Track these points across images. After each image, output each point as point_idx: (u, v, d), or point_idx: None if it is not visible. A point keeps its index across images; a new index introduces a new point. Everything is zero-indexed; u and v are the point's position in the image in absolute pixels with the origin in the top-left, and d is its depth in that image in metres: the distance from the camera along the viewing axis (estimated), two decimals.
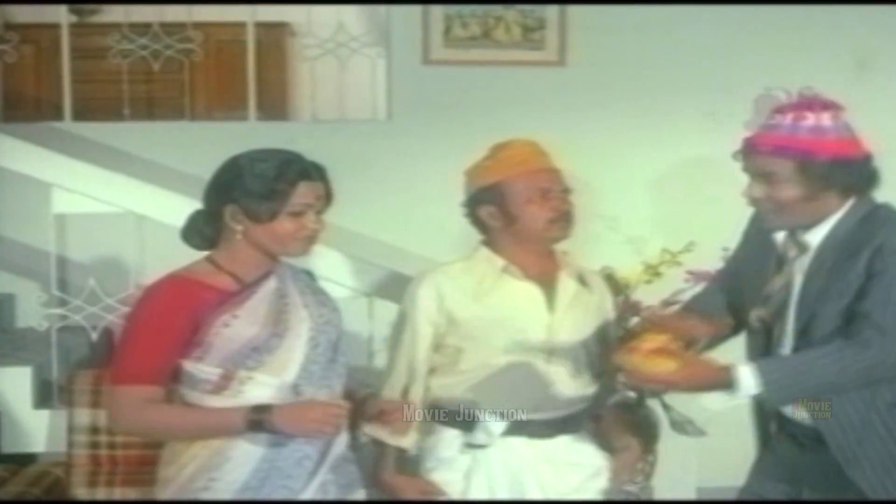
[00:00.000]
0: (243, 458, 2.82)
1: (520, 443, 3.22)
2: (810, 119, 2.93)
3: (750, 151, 3.00)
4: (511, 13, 5.55)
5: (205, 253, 2.97)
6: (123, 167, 4.46)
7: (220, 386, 2.81)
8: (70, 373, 4.26)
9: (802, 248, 3.01)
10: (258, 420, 2.76)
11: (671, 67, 5.49)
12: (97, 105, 5.84)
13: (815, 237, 2.98)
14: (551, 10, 5.54)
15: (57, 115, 5.53)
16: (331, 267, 4.23)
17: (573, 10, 5.52)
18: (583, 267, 3.44)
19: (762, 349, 3.08)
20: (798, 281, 3.01)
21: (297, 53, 6.15)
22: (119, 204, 4.27)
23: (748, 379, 2.79)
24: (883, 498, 2.92)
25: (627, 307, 4.07)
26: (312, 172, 2.94)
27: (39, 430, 4.42)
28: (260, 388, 2.82)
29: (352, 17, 5.81)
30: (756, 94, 5.50)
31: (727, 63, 5.49)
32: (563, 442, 3.26)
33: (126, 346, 2.87)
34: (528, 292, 3.26)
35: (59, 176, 4.37)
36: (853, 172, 2.94)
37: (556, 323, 3.25)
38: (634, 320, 4.08)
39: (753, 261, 3.18)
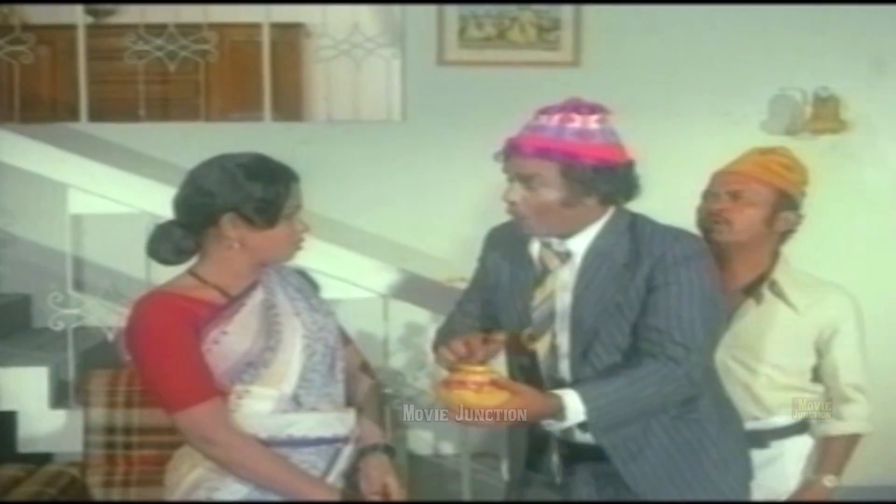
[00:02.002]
0: None
1: None
2: (576, 122, 2.83)
3: (512, 153, 2.88)
4: (526, 14, 5.55)
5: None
6: (139, 168, 4.47)
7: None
8: (86, 373, 4.27)
9: (564, 257, 2.92)
10: None
11: (686, 68, 5.48)
12: (113, 106, 5.87)
13: (579, 246, 2.91)
14: (566, 11, 5.54)
15: (73, 115, 5.54)
16: (345, 267, 4.24)
17: (588, 10, 5.52)
18: None
19: (537, 369, 2.98)
20: (563, 293, 2.92)
21: (312, 54, 6.16)
22: (135, 204, 4.27)
23: (575, 405, 2.71)
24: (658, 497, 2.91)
25: None
26: (294, 174, 2.89)
27: (55, 430, 4.44)
28: (258, 402, 2.79)
29: (367, 17, 5.82)
30: (771, 94, 5.50)
31: (742, 64, 5.48)
32: None
33: (166, 370, 2.75)
34: None
35: (75, 177, 4.38)
36: (616, 179, 2.86)
37: None
38: None
39: (508, 273, 3.06)
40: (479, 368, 2.70)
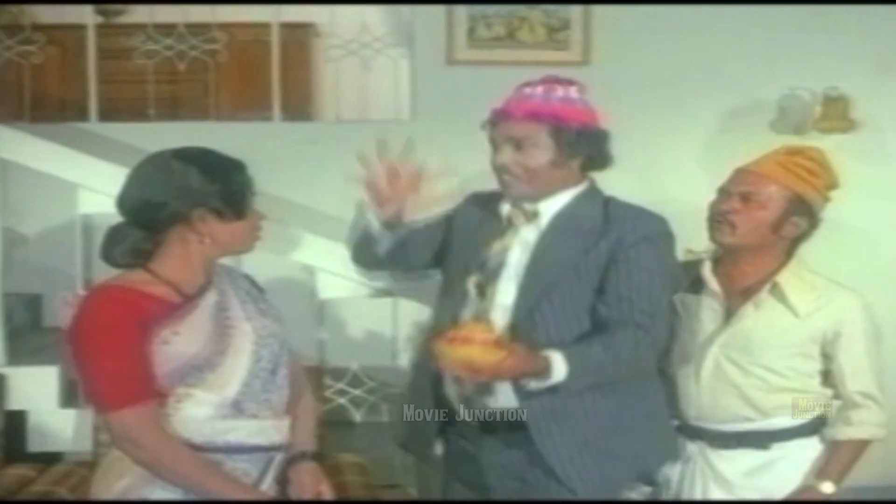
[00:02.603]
0: None
1: None
2: (559, 91, 3.08)
3: (501, 119, 3.09)
4: (535, 13, 5.55)
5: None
6: None
7: (159, 403, 2.69)
8: None
9: (531, 216, 3.10)
10: None
11: (695, 67, 5.47)
12: (122, 105, 5.88)
13: (549, 208, 3.10)
14: (576, 10, 5.54)
15: (83, 115, 5.56)
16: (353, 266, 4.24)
17: (597, 10, 5.52)
18: None
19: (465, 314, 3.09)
20: (521, 249, 3.08)
21: (321, 54, 6.17)
22: None
23: (559, 366, 2.84)
24: (574, 479, 3.01)
25: None
26: (244, 162, 2.86)
27: (65, 430, 4.45)
28: (199, 406, 2.71)
29: (375, 17, 5.82)
30: (780, 94, 5.49)
31: (751, 63, 5.47)
32: None
33: (102, 367, 2.67)
34: None
35: (85, 176, 4.39)
36: (598, 142, 3.10)
37: None
38: None
39: (473, 227, 3.23)
40: (483, 326, 2.82)
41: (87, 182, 4.37)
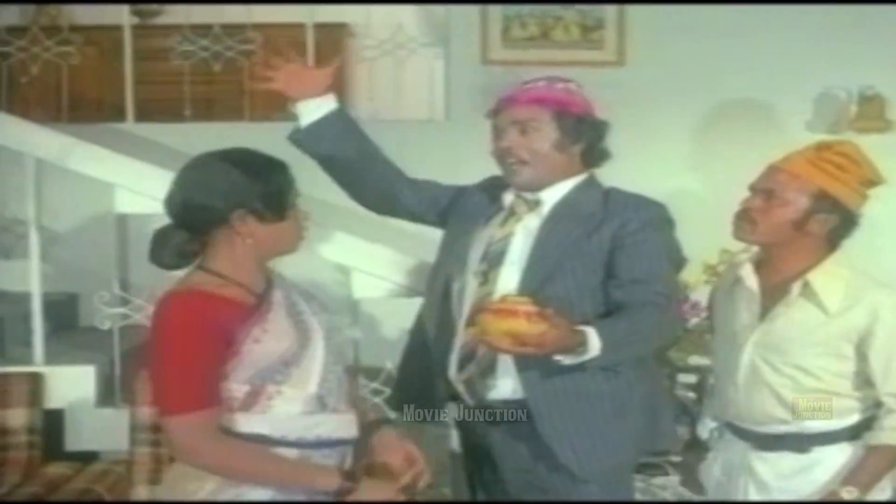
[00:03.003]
0: None
1: None
2: (560, 84, 3.22)
3: (506, 106, 3.21)
4: (570, 13, 5.55)
5: None
6: None
7: (248, 403, 2.70)
8: (132, 372, 4.30)
9: (533, 205, 3.19)
10: (343, 492, 2.69)
11: (730, 66, 5.45)
12: (159, 106, 5.92)
13: (550, 197, 3.19)
14: (610, 10, 5.54)
15: (119, 116, 5.60)
16: (384, 265, 4.24)
17: (632, 10, 5.51)
18: None
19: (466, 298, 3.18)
20: (523, 237, 3.15)
21: (356, 54, 6.17)
22: None
23: (593, 342, 2.86)
24: (578, 464, 3.08)
25: (688, 307, 4.04)
26: (286, 162, 2.86)
27: (102, 429, 4.46)
28: (289, 403, 2.73)
29: (410, 17, 5.83)
30: (816, 93, 5.47)
31: (787, 62, 5.45)
32: None
33: (168, 371, 2.68)
34: None
35: (122, 176, 4.40)
36: (598, 131, 3.22)
37: None
38: (694, 321, 4.05)
39: (477, 208, 3.33)
40: (524, 299, 2.82)
41: (124, 182, 4.39)
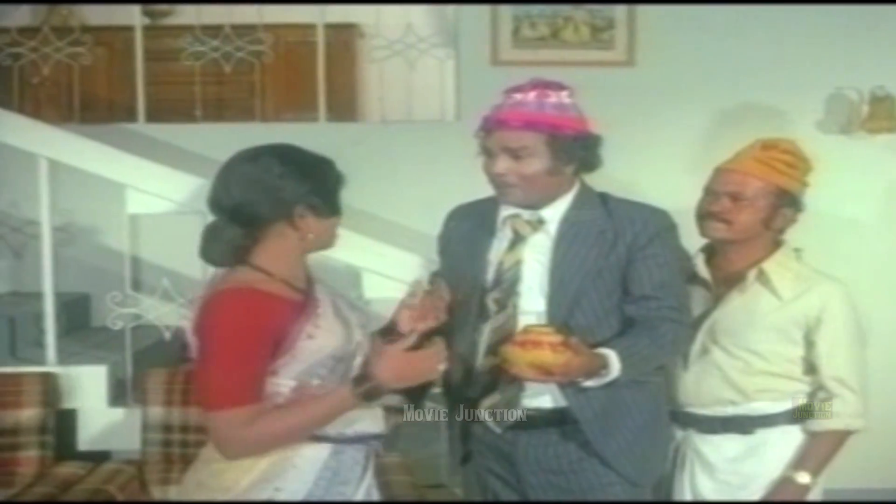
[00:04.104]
0: (308, 466, 2.75)
1: None
2: (552, 97, 3.04)
3: (496, 128, 3.05)
4: (580, 13, 5.55)
5: None
6: (195, 168, 4.49)
7: (293, 398, 2.72)
8: (144, 371, 4.32)
9: (537, 225, 3.11)
10: (367, 391, 2.70)
11: (740, 67, 5.45)
12: (170, 107, 5.94)
13: (553, 215, 3.11)
14: (620, 10, 5.53)
15: (130, 116, 5.61)
16: (397, 267, 4.25)
17: (642, 9, 5.50)
18: None
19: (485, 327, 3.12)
20: (535, 261, 3.09)
21: (366, 55, 6.18)
22: (191, 205, 4.29)
23: (614, 363, 2.91)
24: (626, 468, 3.10)
25: None
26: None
27: (114, 428, 4.48)
28: None
29: (420, 18, 5.83)
30: (827, 93, 5.46)
31: (797, 62, 5.44)
32: None
33: (216, 367, 2.67)
34: None
35: (133, 177, 4.41)
36: (591, 148, 3.08)
37: None
38: None
39: (469, 242, 3.22)
40: (548, 329, 2.87)
41: (135, 182, 4.40)
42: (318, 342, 2.72)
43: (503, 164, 3.04)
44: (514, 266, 3.10)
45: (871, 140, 5.42)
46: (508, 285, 3.09)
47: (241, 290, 2.70)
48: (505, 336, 2.98)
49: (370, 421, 2.85)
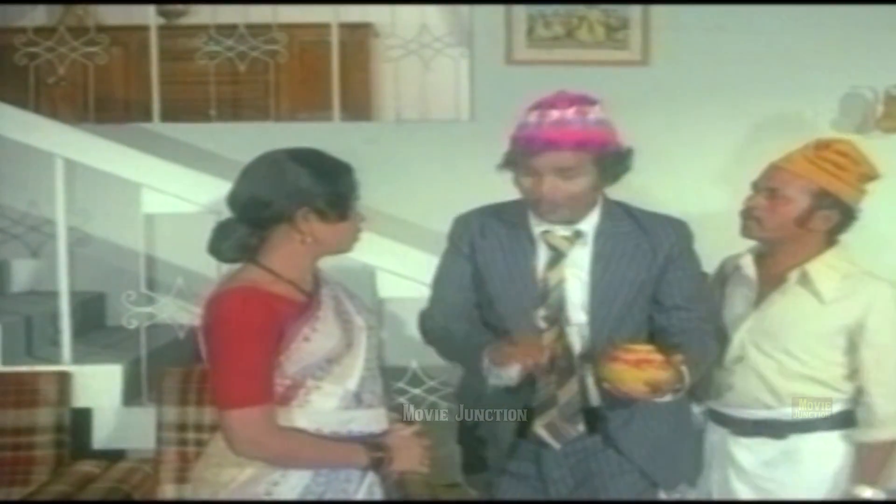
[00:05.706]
0: None
1: None
2: (591, 113, 2.98)
3: (546, 149, 2.94)
4: (594, 13, 5.54)
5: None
6: (210, 167, 4.50)
7: (287, 397, 2.74)
8: (159, 371, 4.33)
9: (574, 239, 3.08)
10: (379, 458, 2.81)
11: (755, 66, 5.44)
12: (185, 106, 5.94)
13: (588, 226, 3.10)
14: (634, 10, 5.52)
15: (146, 116, 5.63)
16: (413, 266, 4.25)
17: (656, 9, 5.50)
18: None
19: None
20: (575, 276, 3.08)
21: (381, 54, 6.19)
22: (206, 204, 4.29)
23: (686, 376, 2.91)
24: (651, 469, 3.16)
25: None
26: (350, 165, 2.89)
27: (129, 427, 4.49)
28: (326, 399, 2.78)
29: (435, 17, 5.83)
30: (842, 92, 5.45)
31: (812, 61, 5.43)
32: None
33: (223, 366, 2.71)
34: None
35: (148, 176, 4.43)
36: (628, 162, 3.04)
37: None
38: None
39: (505, 261, 3.16)
40: (649, 347, 2.88)
41: (151, 182, 4.41)
42: (314, 345, 2.75)
43: (550, 184, 2.97)
44: (558, 285, 3.07)
45: (886, 139, 5.41)
46: (555, 301, 3.07)
47: (245, 289, 2.73)
48: (594, 356, 3.00)
49: (367, 420, 2.86)
